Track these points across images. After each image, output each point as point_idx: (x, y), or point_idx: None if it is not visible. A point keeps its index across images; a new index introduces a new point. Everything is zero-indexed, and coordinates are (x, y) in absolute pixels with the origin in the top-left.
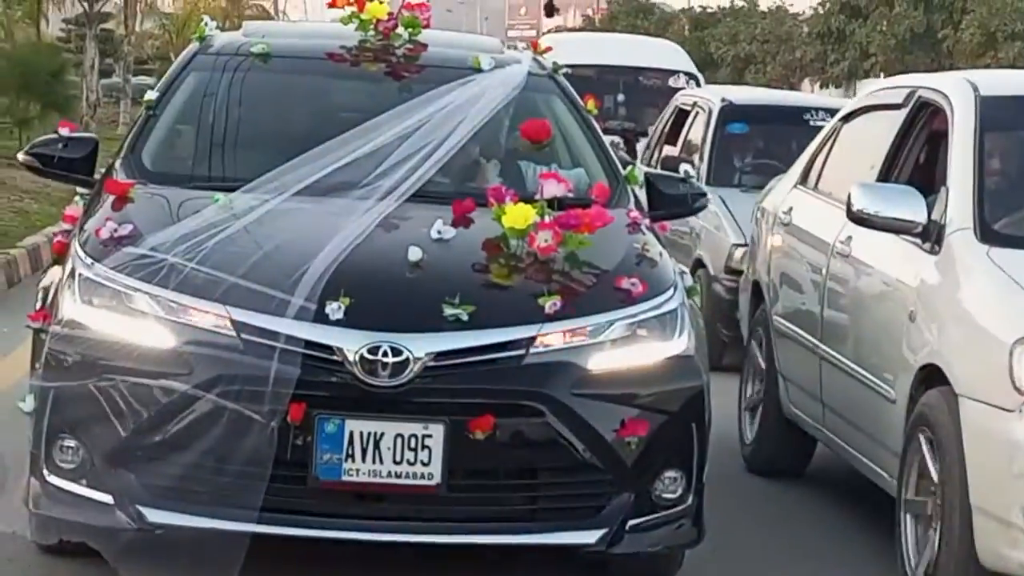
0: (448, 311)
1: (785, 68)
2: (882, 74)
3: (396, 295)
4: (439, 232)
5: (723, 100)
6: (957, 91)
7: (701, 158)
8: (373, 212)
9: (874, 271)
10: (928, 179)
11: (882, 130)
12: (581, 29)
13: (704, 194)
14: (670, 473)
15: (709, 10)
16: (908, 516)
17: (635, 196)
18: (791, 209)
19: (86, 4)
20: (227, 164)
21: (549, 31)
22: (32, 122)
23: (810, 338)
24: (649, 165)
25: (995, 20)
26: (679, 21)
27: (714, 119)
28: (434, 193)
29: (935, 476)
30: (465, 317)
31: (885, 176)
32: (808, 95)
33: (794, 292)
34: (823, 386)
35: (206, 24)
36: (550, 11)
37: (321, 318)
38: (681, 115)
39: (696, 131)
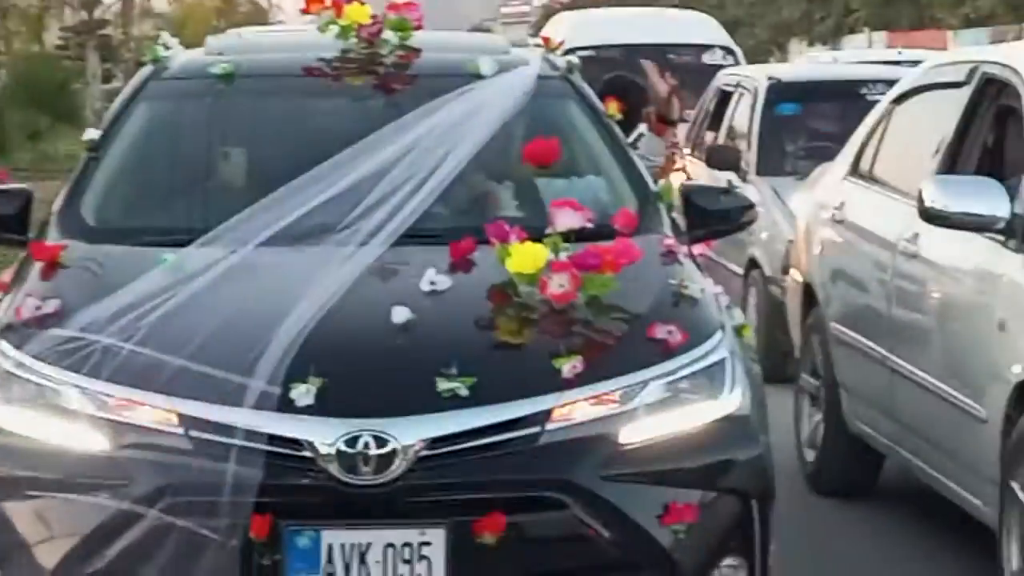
0: (443, 385)
1: (773, 29)
2: (866, 28)
3: (378, 370)
4: (432, 283)
5: (770, 79)
6: None
7: (749, 145)
8: (351, 263)
9: (951, 273)
10: (1000, 166)
11: (943, 112)
12: (572, 2)
13: (752, 205)
14: (729, 562)
15: None
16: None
17: (669, 217)
18: (843, 203)
19: (84, 12)
20: (182, 212)
21: (543, 5)
22: (42, 135)
23: (877, 347)
24: (692, 155)
25: None
26: None
27: (760, 101)
28: (430, 232)
29: None
30: (464, 392)
31: (951, 164)
32: (863, 67)
33: (854, 296)
34: (895, 401)
35: (162, 43)
36: None
37: (287, 405)
38: (724, 97)
39: (741, 115)
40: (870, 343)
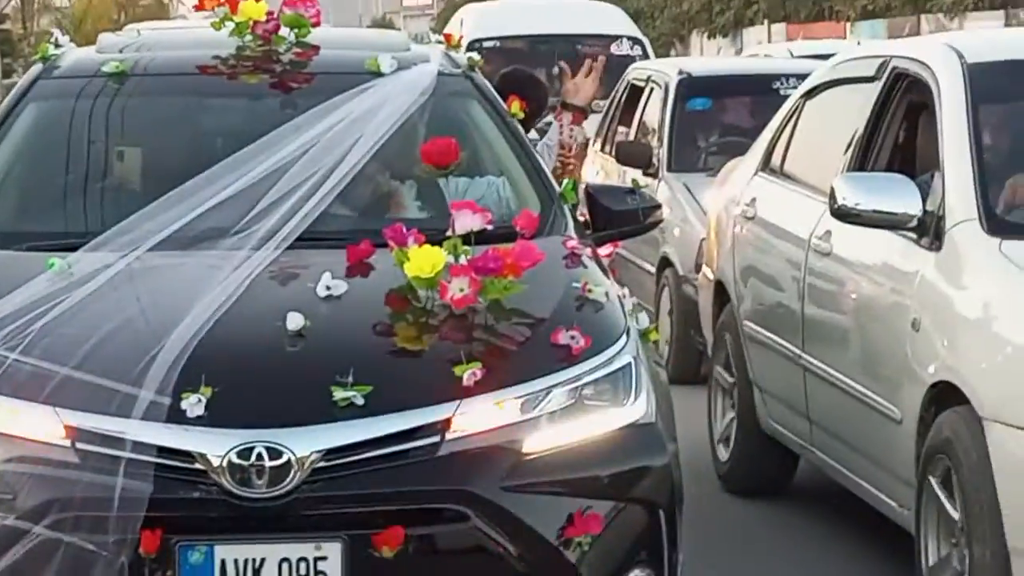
0: (339, 394)
1: (674, 21)
2: (765, 20)
3: (272, 378)
4: (328, 287)
5: (680, 73)
6: (940, 60)
7: (660, 140)
8: (245, 267)
9: (864, 271)
10: (912, 162)
11: (853, 107)
12: None
13: (658, 206)
14: (637, 573)
15: None
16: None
17: (573, 217)
18: (754, 200)
19: None
20: (71, 216)
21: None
22: None
23: (789, 345)
24: (603, 151)
25: None
26: None
27: (671, 95)
28: (327, 234)
29: (957, 517)
30: (360, 401)
31: (862, 160)
32: (775, 60)
33: (767, 293)
34: (808, 400)
35: (54, 40)
36: None
37: (177, 416)
38: (634, 92)
39: (652, 110)
40: (783, 341)
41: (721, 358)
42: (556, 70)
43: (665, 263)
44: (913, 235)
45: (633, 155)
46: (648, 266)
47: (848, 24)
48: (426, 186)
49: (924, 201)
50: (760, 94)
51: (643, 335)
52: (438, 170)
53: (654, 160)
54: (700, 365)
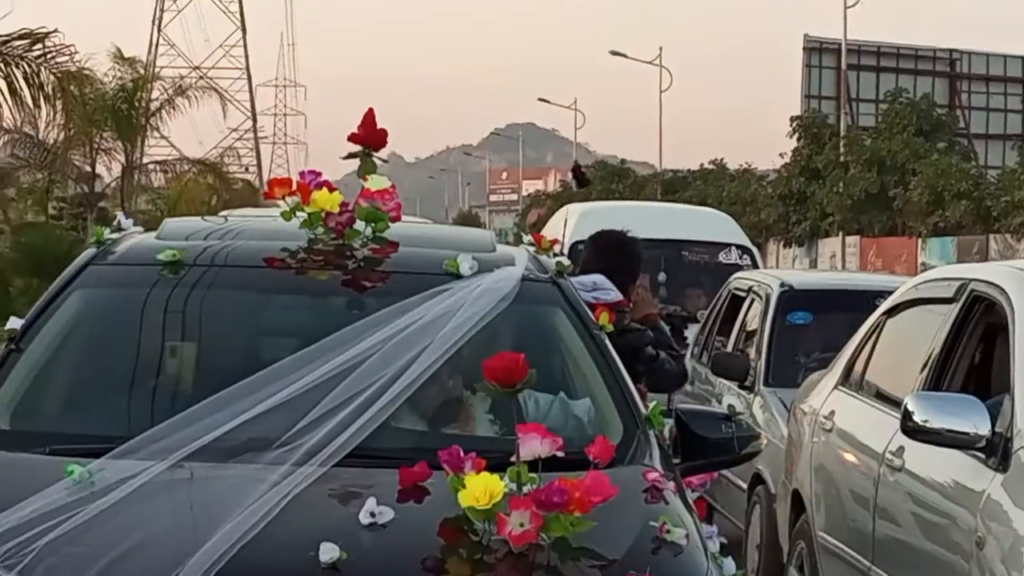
0: None
1: (752, 229)
2: (840, 232)
3: None
4: (372, 514)
5: (782, 285)
6: (1015, 285)
7: (759, 352)
8: (283, 485)
9: (932, 487)
10: (986, 383)
11: (931, 327)
12: (559, 193)
13: (756, 436)
14: None
15: (680, 174)
16: None
17: (659, 444)
18: (833, 412)
19: (85, 187)
20: (104, 418)
21: (529, 195)
22: None
23: (860, 559)
24: (700, 362)
25: (941, 180)
26: (652, 184)
27: (772, 307)
28: (382, 452)
29: None
30: None
31: (937, 379)
32: (876, 276)
33: (840, 504)
34: None
35: (116, 224)
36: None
37: None
38: (735, 301)
39: (752, 320)
40: (855, 554)
41: (796, 568)
42: (661, 276)
43: (757, 480)
44: (981, 455)
45: (730, 367)
46: (740, 482)
47: (919, 240)
48: (501, 402)
49: (994, 422)
50: (861, 310)
51: None
52: (503, 389)
53: (751, 373)
54: None
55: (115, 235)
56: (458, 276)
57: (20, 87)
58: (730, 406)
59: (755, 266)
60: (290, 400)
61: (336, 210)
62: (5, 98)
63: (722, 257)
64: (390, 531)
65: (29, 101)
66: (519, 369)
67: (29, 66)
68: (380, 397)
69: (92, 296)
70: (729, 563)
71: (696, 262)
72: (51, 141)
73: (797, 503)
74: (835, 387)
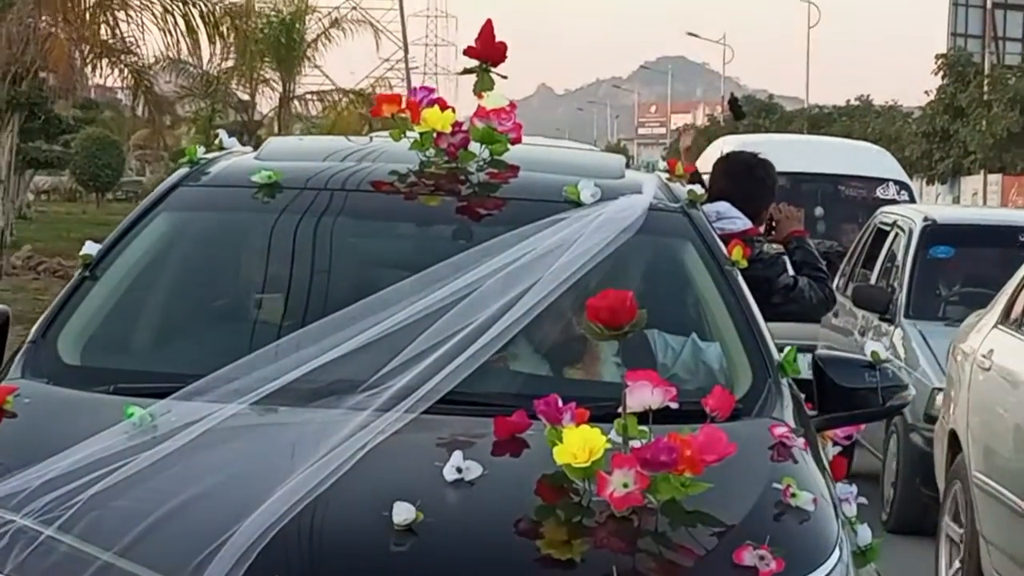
0: None
1: None
2: (982, 170)
3: None
4: (458, 469)
5: (925, 219)
6: None
7: (900, 286)
8: (362, 435)
9: None
10: None
11: None
12: (707, 128)
13: (905, 386)
14: None
15: (826, 109)
16: None
17: (792, 395)
18: (991, 351)
19: (244, 115)
20: (176, 354)
21: (678, 129)
22: None
23: (1017, 499)
24: (843, 294)
25: None
26: (799, 120)
27: (915, 241)
28: (479, 397)
29: None
30: None
31: None
32: (1020, 212)
33: (998, 444)
34: None
35: (218, 142)
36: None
37: None
38: (879, 235)
39: (896, 254)
40: (1013, 495)
41: (950, 509)
42: (819, 211)
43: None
44: None
45: (872, 299)
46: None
47: None
48: (632, 341)
49: None
50: (1005, 246)
51: (862, 554)
52: (608, 331)
53: (891, 305)
54: (924, 516)
55: (210, 155)
56: (578, 204)
57: (196, 24)
58: (874, 352)
59: (912, 201)
60: (382, 338)
61: (448, 130)
62: (182, 33)
63: (879, 192)
64: (476, 489)
65: (204, 38)
66: (626, 310)
67: (205, 5)
68: (479, 337)
69: (178, 220)
70: (864, 530)
71: (853, 197)
72: (214, 72)
73: (954, 443)
74: (994, 326)
